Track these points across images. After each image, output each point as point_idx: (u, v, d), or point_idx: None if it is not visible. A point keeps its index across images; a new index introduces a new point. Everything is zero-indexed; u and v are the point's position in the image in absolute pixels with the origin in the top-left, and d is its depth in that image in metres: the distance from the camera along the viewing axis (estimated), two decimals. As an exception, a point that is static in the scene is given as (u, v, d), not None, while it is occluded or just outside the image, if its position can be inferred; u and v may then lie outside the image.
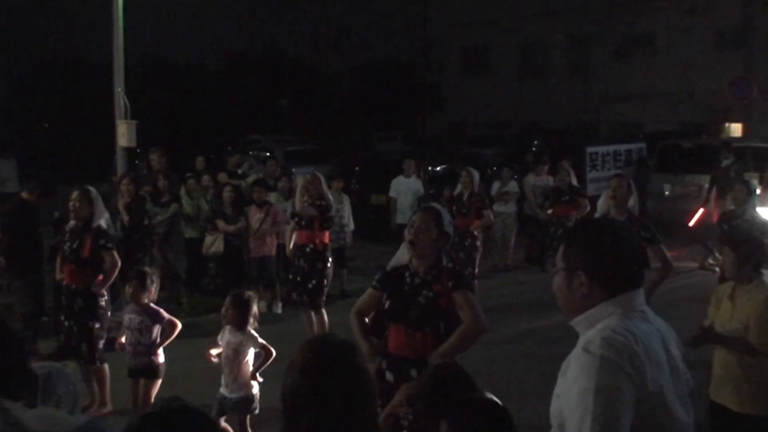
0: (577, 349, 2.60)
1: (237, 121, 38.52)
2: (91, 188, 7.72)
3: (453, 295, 4.77)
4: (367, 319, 5.06)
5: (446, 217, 4.99)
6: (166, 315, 6.92)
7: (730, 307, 5.00)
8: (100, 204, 7.62)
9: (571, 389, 2.52)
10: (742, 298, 4.96)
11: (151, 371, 6.86)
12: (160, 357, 6.91)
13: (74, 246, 7.47)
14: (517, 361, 8.96)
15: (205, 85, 43.83)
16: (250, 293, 6.50)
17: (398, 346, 4.81)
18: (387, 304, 4.93)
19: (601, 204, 7.72)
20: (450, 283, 4.79)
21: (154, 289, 6.94)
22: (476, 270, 11.37)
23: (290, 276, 9.71)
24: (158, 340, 6.86)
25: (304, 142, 28.26)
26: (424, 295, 4.81)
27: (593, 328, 2.64)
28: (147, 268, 7.37)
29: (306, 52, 60.91)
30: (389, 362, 4.82)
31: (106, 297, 7.57)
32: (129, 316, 6.87)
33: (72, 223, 7.61)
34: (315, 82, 48.01)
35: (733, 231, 5.61)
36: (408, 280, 4.90)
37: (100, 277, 7.45)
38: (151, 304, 6.90)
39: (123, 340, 6.93)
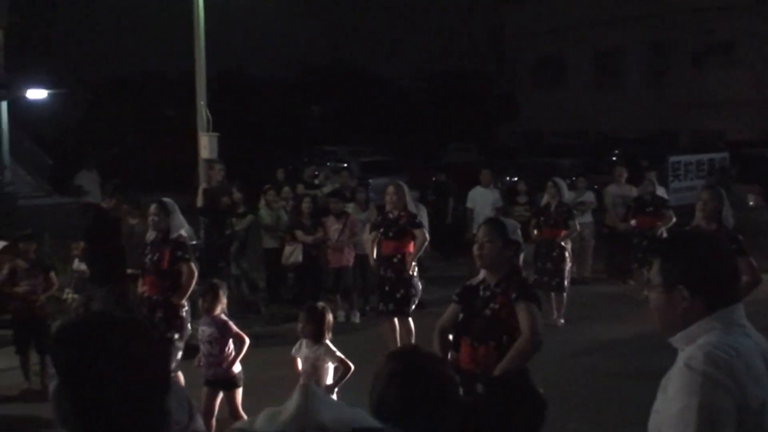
0: (678, 364, 2.54)
1: (311, 133, 38.83)
2: (168, 200, 7.85)
3: (515, 306, 4.73)
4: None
5: (510, 226, 4.97)
6: (234, 328, 6.93)
7: None
8: (177, 215, 7.74)
9: (672, 405, 2.47)
10: None
11: (227, 382, 6.89)
12: (236, 367, 6.92)
13: (154, 258, 7.63)
14: (596, 374, 8.83)
15: (279, 98, 44.25)
16: (323, 304, 6.48)
17: (466, 360, 4.81)
18: (460, 317, 4.95)
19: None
20: (514, 295, 4.76)
21: (225, 300, 7.02)
22: (566, 281, 11.19)
23: (380, 286, 9.66)
24: (232, 353, 6.89)
25: (378, 153, 28.37)
26: (490, 307, 4.81)
27: (693, 344, 2.57)
28: (218, 280, 7.42)
29: (379, 63, 61.09)
30: (461, 377, 4.79)
31: (186, 308, 7.64)
32: (202, 328, 6.92)
33: (152, 235, 7.76)
34: (388, 93, 48.09)
35: None
36: (481, 293, 4.91)
37: (181, 288, 7.55)
38: (222, 316, 6.94)
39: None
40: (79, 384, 1.88)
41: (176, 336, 7.47)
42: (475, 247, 4.93)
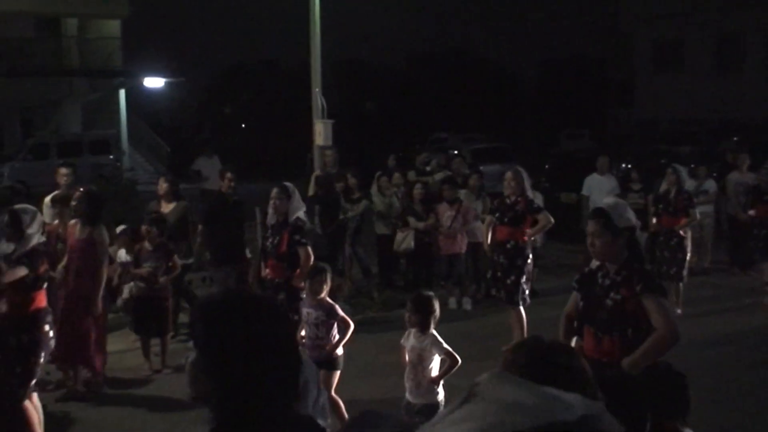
0: None
1: (422, 120, 38.89)
2: (289, 184, 7.99)
3: (642, 300, 4.59)
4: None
5: (615, 213, 4.78)
6: (340, 312, 6.93)
7: None
8: (296, 198, 7.90)
9: None
10: None
11: (329, 363, 6.86)
12: (339, 349, 6.91)
13: (275, 242, 7.80)
14: (719, 365, 8.55)
15: (391, 86, 44.48)
16: (431, 293, 6.36)
17: (589, 349, 4.71)
18: (581, 304, 4.87)
19: None
20: (638, 287, 4.61)
21: (330, 284, 7.05)
22: (684, 271, 10.84)
23: (490, 272, 9.57)
24: (336, 337, 6.86)
25: (489, 140, 28.20)
26: (611, 297, 4.68)
27: None
28: (324, 264, 7.45)
29: (491, 50, 60.64)
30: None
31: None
32: (307, 311, 6.93)
33: (273, 218, 7.92)
34: (500, 79, 47.68)
35: None
36: (600, 280, 4.79)
37: (298, 271, 7.69)
38: (327, 299, 6.95)
39: (302, 333, 7.06)
40: (216, 358, 1.92)
41: (296, 317, 7.58)
42: (588, 243, 4.82)
